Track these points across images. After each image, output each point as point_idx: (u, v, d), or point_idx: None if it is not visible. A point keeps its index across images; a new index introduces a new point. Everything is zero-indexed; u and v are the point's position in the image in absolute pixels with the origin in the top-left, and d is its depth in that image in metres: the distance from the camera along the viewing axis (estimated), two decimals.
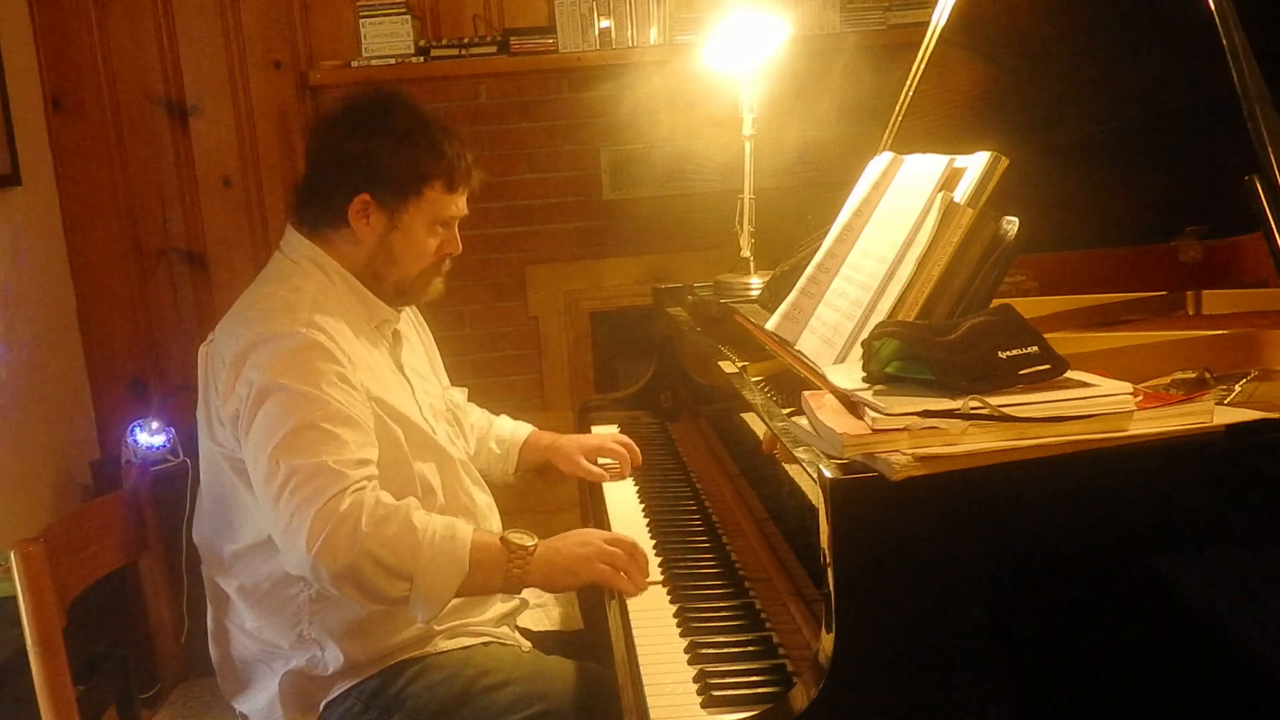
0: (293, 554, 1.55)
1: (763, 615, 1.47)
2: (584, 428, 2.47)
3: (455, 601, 1.74)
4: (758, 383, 1.70)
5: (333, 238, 1.79)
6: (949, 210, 1.43)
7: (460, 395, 2.12)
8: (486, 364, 3.54)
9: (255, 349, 1.64)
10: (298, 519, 1.53)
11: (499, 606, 1.83)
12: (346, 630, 1.69)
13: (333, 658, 1.70)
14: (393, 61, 3.31)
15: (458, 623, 1.76)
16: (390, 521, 1.56)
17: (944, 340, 1.24)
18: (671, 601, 1.54)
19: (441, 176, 1.77)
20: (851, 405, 1.23)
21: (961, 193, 1.44)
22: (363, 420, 1.65)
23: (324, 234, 1.79)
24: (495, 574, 1.61)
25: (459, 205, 1.82)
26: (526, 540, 1.62)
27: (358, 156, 1.75)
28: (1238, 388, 1.42)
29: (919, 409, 1.14)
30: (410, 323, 2.01)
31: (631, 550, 1.63)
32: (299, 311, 1.68)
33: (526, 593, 1.91)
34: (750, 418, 1.69)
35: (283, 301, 1.70)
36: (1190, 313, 1.98)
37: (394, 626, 1.71)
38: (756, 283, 2.22)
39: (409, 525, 1.57)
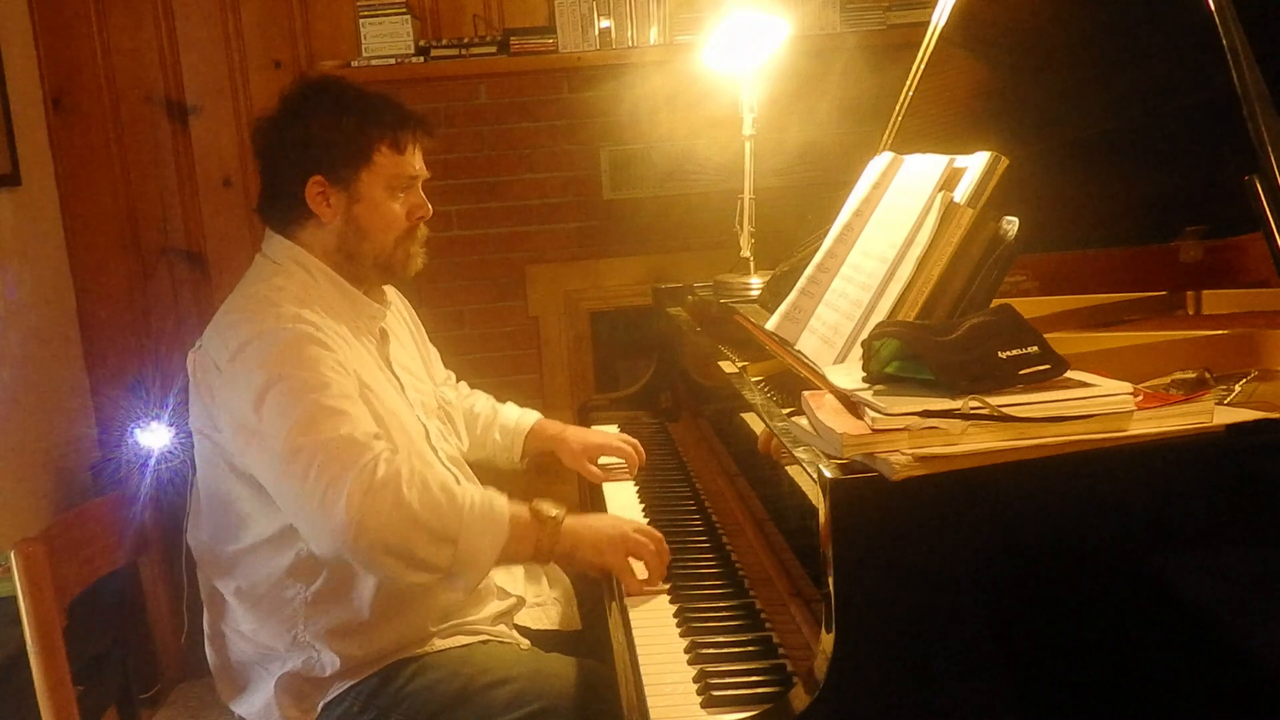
0: (329, 531, 1.51)
1: (763, 615, 1.47)
2: (584, 427, 2.46)
3: (452, 600, 1.74)
4: (758, 383, 1.70)
5: (301, 231, 1.79)
6: (949, 210, 1.43)
7: (453, 393, 2.12)
8: (486, 364, 3.53)
9: (245, 348, 1.63)
10: (333, 492, 1.50)
11: (495, 605, 1.83)
12: (342, 632, 1.69)
13: (329, 660, 1.69)
14: (393, 61, 3.31)
15: (455, 622, 1.76)
16: (430, 486, 1.54)
17: (944, 340, 1.24)
18: (671, 601, 1.54)
19: (385, 138, 1.76)
20: (851, 405, 1.23)
21: (961, 193, 1.44)
22: (361, 401, 1.65)
23: (294, 230, 1.79)
24: (527, 542, 1.61)
25: (414, 165, 1.81)
26: (554, 510, 1.63)
27: (299, 141, 1.75)
28: (1238, 388, 1.42)
29: (919, 409, 1.14)
30: (401, 318, 2.01)
31: (658, 544, 1.63)
32: (283, 308, 1.68)
33: (525, 592, 1.91)
34: (750, 418, 1.69)
35: (265, 301, 1.70)
36: (1190, 313, 1.98)
37: (390, 628, 1.70)
38: (756, 283, 2.22)
39: (448, 490, 1.56)
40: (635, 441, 2.16)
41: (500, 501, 1.61)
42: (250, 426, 1.61)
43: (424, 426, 1.85)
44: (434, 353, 2.13)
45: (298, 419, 1.55)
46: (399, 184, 1.78)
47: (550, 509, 1.63)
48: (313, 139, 1.74)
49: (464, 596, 1.67)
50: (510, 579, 1.89)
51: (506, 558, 1.61)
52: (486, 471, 2.05)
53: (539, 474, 2.25)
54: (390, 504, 1.50)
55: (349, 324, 1.78)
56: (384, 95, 1.80)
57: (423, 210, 1.82)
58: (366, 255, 1.79)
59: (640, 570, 1.60)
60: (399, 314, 2.00)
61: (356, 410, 1.60)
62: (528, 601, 1.91)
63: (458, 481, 1.87)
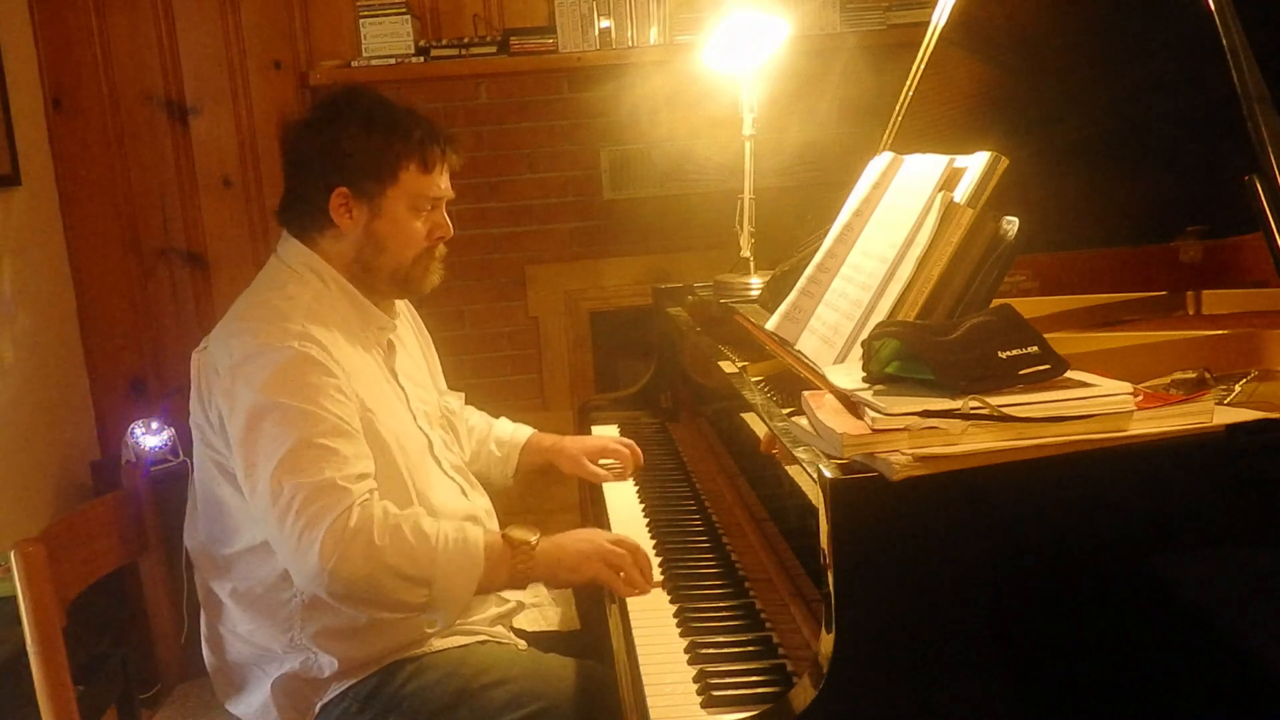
0: (304, 573, 1.56)
1: (763, 615, 1.47)
2: (584, 428, 2.47)
3: None
4: (758, 383, 1.70)
5: (320, 238, 1.79)
6: (949, 210, 1.43)
7: (456, 401, 2.12)
8: (486, 364, 3.54)
9: (248, 362, 1.63)
10: (307, 538, 1.53)
11: (494, 609, 1.83)
12: (339, 635, 1.69)
13: (327, 662, 1.69)
14: (393, 61, 3.31)
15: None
16: (402, 531, 1.56)
17: (944, 340, 1.24)
18: (671, 601, 1.54)
19: (413, 157, 1.76)
20: (851, 405, 1.23)
21: (961, 193, 1.44)
22: (358, 432, 1.65)
23: (312, 236, 1.79)
24: (501, 571, 1.62)
25: (439, 185, 1.81)
26: (529, 535, 1.64)
27: (326, 151, 1.75)
28: (1238, 388, 1.41)
29: (919, 409, 1.14)
30: (408, 326, 2.00)
31: (634, 552, 1.63)
32: (292, 322, 1.67)
33: (523, 595, 1.91)
34: (750, 418, 1.69)
35: (276, 311, 1.70)
36: (1190, 313, 1.98)
37: (387, 631, 1.70)
38: (756, 283, 2.22)
39: (421, 532, 1.58)
40: (631, 443, 2.17)
41: (474, 535, 1.62)
42: (240, 443, 1.62)
43: (427, 438, 1.85)
44: (437, 362, 2.13)
45: (283, 456, 1.57)
46: (423, 203, 1.79)
47: (525, 534, 1.64)
48: (341, 150, 1.74)
49: (443, 626, 1.68)
50: None
51: (484, 589, 1.64)
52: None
53: (538, 476, 2.25)
54: (362, 552, 1.53)
55: (358, 335, 1.78)
56: (416, 112, 1.80)
57: (443, 230, 1.83)
58: (383, 269, 1.80)
59: (623, 581, 1.60)
60: (406, 323, 2.00)
61: (346, 447, 1.60)
62: (525, 604, 1.91)
63: (462, 491, 1.88)
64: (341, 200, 1.75)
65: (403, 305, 1.98)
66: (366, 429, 1.68)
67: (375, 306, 1.83)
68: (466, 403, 2.20)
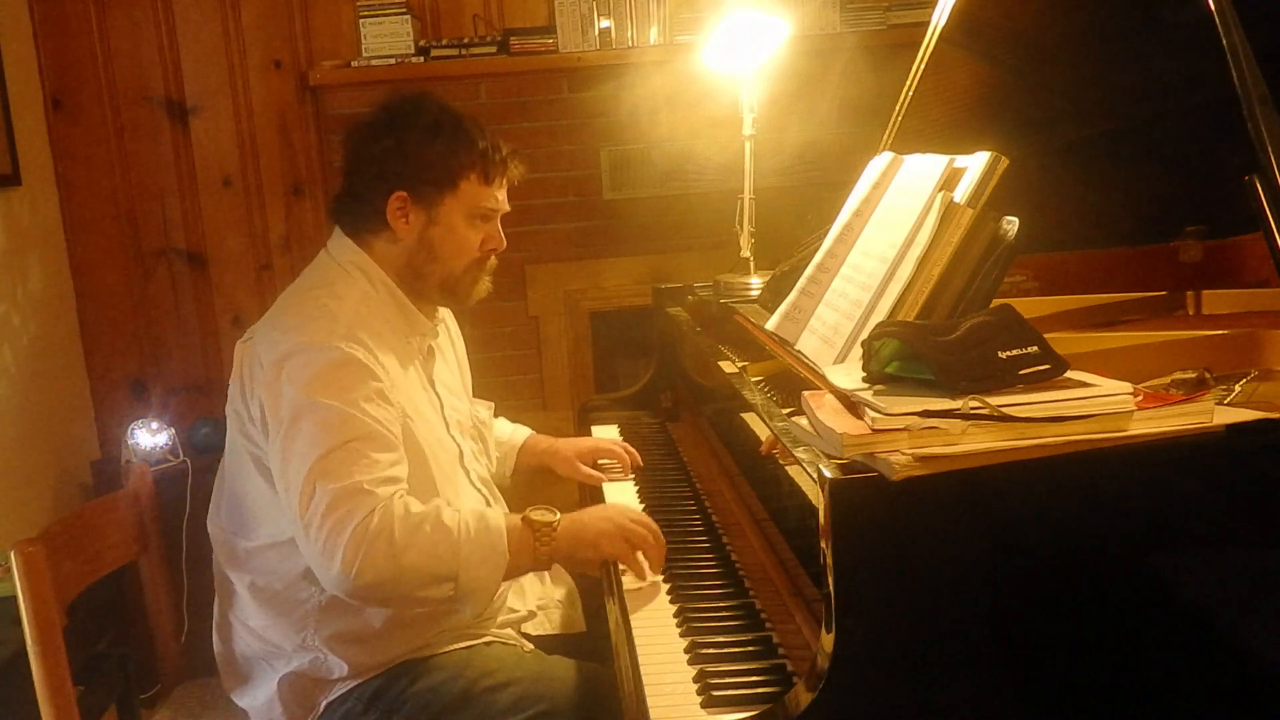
0: (329, 578, 1.55)
1: (763, 615, 1.47)
2: (584, 428, 2.47)
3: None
4: (758, 383, 1.70)
5: (373, 239, 1.79)
6: (949, 210, 1.43)
7: (486, 410, 2.11)
8: (486, 364, 3.51)
9: (292, 358, 1.63)
10: (332, 543, 1.52)
11: (503, 615, 1.83)
12: (352, 640, 1.69)
13: (336, 664, 1.70)
14: (393, 61, 3.30)
15: (462, 629, 1.75)
16: (423, 527, 1.55)
17: (944, 340, 1.24)
18: (671, 601, 1.54)
19: (476, 168, 1.77)
20: (851, 405, 1.23)
21: (961, 193, 1.44)
22: (396, 438, 1.64)
23: (366, 237, 1.80)
24: (525, 554, 1.62)
25: (498, 198, 1.82)
26: (550, 516, 1.64)
27: (390, 154, 1.75)
28: (1238, 388, 1.41)
29: (919, 409, 1.14)
30: (445, 333, 2.00)
31: (656, 534, 1.63)
32: (339, 323, 1.67)
33: (530, 601, 1.91)
34: (750, 418, 1.69)
35: (323, 310, 1.70)
36: (1190, 313, 1.98)
37: (400, 636, 1.70)
38: (756, 283, 2.22)
39: (442, 526, 1.57)
40: (626, 445, 2.17)
41: (495, 523, 1.61)
42: (278, 439, 1.61)
43: (458, 447, 1.85)
44: (468, 370, 2.12)
45: (318, 458, 1.56)
46: (479, 214, 1.79)
47: (546, 515, 1.64)
48: (404, 155, 1.75)
49: (471, 617, 1.68)
50: (518, 597, 1.89)
51: (509, 575, 1.63)
52: None
53: (538, 475, 2.24)
54: (384, 554, 1.52)
55: (401, 340, 1.78)
56: (480, 123, 1.80)
57: (496, 243, 1.84)
58: (433, 276, 1.80)
59: (640, 560, 1.61)
60: (446, 331, 2.00)
61: (380, 452, 1.59)
62: (535, 613, 1.91)
63: (487, 503, 1.88)
64: (399, 204, 1.75)
65: (444, 311, 1.98)
66: (405, 436, 1.67)
67: (419, 312, 1.83)
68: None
